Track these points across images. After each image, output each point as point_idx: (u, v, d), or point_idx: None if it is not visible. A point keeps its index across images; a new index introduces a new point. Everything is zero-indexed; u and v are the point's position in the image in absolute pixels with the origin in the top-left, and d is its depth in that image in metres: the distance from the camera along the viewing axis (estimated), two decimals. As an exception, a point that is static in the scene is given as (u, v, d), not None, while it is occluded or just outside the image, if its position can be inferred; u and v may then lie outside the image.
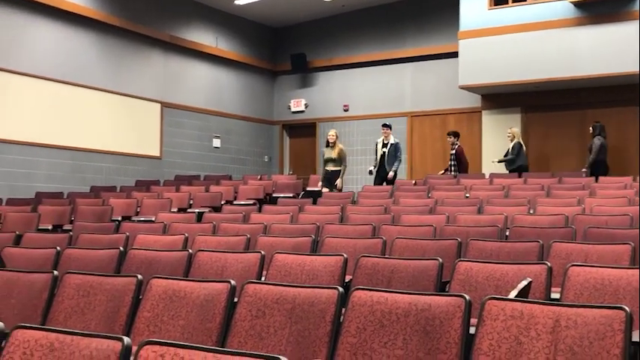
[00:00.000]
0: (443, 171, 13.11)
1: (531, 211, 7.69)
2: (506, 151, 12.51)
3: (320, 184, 11.39)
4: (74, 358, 2.14)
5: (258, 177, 13.55)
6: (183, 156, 15.21)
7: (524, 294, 3.26)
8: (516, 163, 12.32)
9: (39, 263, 5.08)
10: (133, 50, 14.19)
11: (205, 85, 15.92)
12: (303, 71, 17.24)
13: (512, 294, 3.16)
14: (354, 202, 9.51)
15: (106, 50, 13.65)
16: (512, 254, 4.76)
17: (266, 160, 17.51)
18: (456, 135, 12.68)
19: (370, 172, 11.96)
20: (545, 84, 13.05)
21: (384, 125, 11.95)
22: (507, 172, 12.31)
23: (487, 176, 11.69)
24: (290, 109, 17.59)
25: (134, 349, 2.09)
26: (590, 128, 12.34)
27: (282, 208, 8.84)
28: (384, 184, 11.54)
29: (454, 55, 14.17)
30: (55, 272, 3.84)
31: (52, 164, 12.55)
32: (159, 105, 14.69)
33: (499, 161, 12.60)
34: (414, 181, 11.77)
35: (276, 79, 17.85)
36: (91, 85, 13.24)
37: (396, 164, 11.60)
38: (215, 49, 15.95)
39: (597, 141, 11.99)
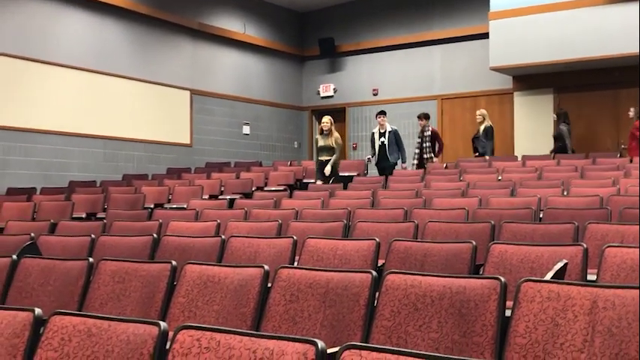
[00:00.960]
0: (416, 160, 12.16)
1: (565, 193, 7.60)
2: (476, 132, 12.33)
3: (316, 174, 10.60)
4: (112, 343, 2.16)
5: (288, 163, 13.56)
6: (214, 143, 15.28)
7: (559, 276, 3.22)
8: (490, 147, 12.16)
9: (74, 251, 5.14)
10: (162, 38, 14.25)
11: (234, 71, 15.94)
12: (332, 56, 17.18)
13: (548, 276, 3.12)
14: (384, 187, 9.48)
15: (135, 39, 13.73)
16: (547, 236, 4.70)
17: (295, 146, 17.52)
18: (427, 117, 12.23)
19: (368, 160, 11.49)
20: (577, 64, 12.86)
21: (380, 113, 11.34)
22: (476, 155, 12.28)
23: (519, 158, 11.58)
24: (319, 94, 17.56)
25: (170, 334, 2.10)
26: (554, 115, 12.42)
27: (312, 193, 8.84)
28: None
29: (484, 36, 14.02)
30: (91, 259, 3.89)
31: (85, 153, 12.68)
32: (188, 93, 14.75)
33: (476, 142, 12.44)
34: (445, 165, 11.69)
35: (304, 64, 17.82)
36: (121, 73, 13.34)
37: (404, 155, 11.23)
38: (243, 36, 15.96)
39: (564, 127, 12.12)
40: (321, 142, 10.45)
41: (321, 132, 10.52)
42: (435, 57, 15.85)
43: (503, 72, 13.93)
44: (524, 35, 13.07)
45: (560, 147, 12.19)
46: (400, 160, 11.24)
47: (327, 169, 10.21)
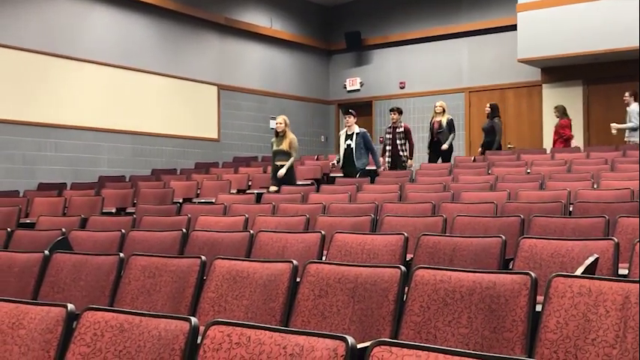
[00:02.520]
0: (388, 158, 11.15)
1: (595, 186, 7.52)
2: (438, 127, 11.62)
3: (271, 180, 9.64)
4: (143, 338, 2.18)
5: (315, 157, 13.57)
6: (241, 138, 15.33)
7: (590, 271, 3.19)
8: (452, 139, 11.67)
9: (105, 246, 5.19)
10: (189, 33, 14.32)
11: (261, 66, 15.98)
12: (358, 49, 17.14)
13: (579, 271, 3.10)
14: (412, 181, 9.45)
15: (162, 34, 13.82)
16: (577, 230, 4.66)
17: (322, 140, 17.51)
18: (400, 112, 11.24)
19: (332, 166, 10.50)
20: (606, 55, 12.70)
21: (346, 113, 10.23)
22: (429, 149, 11.82)
23: (548, 151, 11.47)
24: (345, 88, 17.53)
25: (201, 329, 2.12)
26: (488, 108, 12.17)
27: (340, 187, 8.84)
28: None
29: (512, 28, 13.90)
30: (121, 254, 3.92)
31: (114, 148, 12.80)
32: (216, 88, 14.81)
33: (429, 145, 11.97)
34: (472, 158, 11.61)
35: (330, 58, 17.80)
36: (149, 69, 13.43)
37: (377, 158, 10.19)
38: (270, 30, 15.98)
39: (499, 122, 12.08)
40: (275, 146, 9.43)
41: (276, 134, 9.51)
42: (462, 49, 15.75)
43: (531, 64, 13.80)
44: (553, 27, 12.93)
45: (489, 142, 11.99)
46: (374, 163, 10.18)
47: (281, 172, 9.28)
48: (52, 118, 11.84)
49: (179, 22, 14.08)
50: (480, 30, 15.36)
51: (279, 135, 9.39)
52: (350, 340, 1.83)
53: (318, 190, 8.69)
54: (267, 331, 1.97)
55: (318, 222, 5.75)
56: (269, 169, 11.66)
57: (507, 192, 6.92)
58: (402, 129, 11.07)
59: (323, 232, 4.63)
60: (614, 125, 11.92)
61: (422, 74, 16.23)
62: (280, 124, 9.36)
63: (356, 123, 10.52)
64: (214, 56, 14.87)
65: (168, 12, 13.77)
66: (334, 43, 17.51)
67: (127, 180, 11.65)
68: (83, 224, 6.55)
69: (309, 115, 17.12)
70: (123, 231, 5.33)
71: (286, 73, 16.63)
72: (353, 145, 9.95)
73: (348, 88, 17.47)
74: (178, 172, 12.64)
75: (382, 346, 1.76)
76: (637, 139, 11.55)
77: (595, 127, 13.45)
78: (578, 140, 13.16)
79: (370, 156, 10.14)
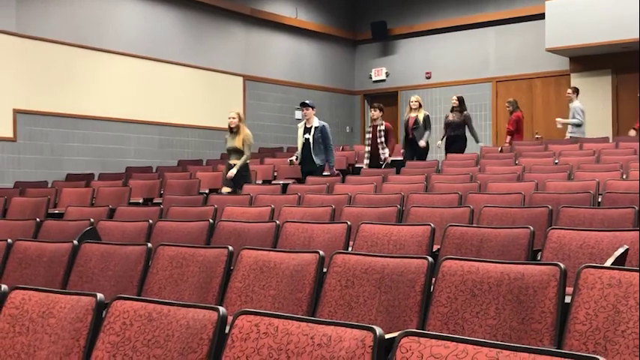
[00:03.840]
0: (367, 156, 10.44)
1: (624, 176, 7.43)
2: (413, 123, 11.00)
3: (222, 182, 8.80)
4: (172, 327, 2.19)
5: (341, 148, 13.55)
6: (266, 128, 15.35)
7: (620, 262, 3.16)
8: (428, 137, 11.08)
9: (132, 236, 5.23)
10: (214, 24, 14.36)
11: (286, 56, 15.97)
12: (384, 39, 17.06)
13: (609, 262, 3.07)
14: (438, 171, 9.41)
15: (188, 25, 13.86)
16: (606, 221, 4.61)
17: (348, 130, 17.49)
18: (381, 109, 10.49)
19: (290, 162, 9.46)
20: (635, 44, 12.51)
21: (303, 104, 9.33)
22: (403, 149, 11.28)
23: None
24: (371, 78, 17.48)
25: (229, 319, 2.12)
26: (456, 100, 11.60)
27: (365, 178, 8.82)
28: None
29: (540, 17, 13.76)
30: (149, 244, 3.94)
31: (141, 139, 12.89)
32: (241, 78, 14.84)
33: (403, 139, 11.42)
34: (500, 148, 11.52)
35: (356, 48, 17.75)
36: (175, 60, 13.50)
37: (330, 156, 9.23)
38: (295, 21, 15.96)
39: (469, 114, 11.66)
40: (229, 143, 8.62)
41: (230, 130, 8.66)
42: (489, 39, 15.62)
43: (559, 53, 13.66)
44: (581, 15, 12.78)
45: (457, 135, 11.45)
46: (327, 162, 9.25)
47: (231, 173, 8.42)
48: (79, 110, 11.94)
49: (205, 13, 14.12)
50: (507, 19, 15.23)
51: (233, 131, 8.58)
52: (378, 330, 1.82)
53: (343, 181, 8.68)
54: (294, 321, 1.97)
55: (344, 213, 5.75)
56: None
57: (535, 182, 6.86)
58: (382, 126, 10.32)
59: (349, 223, 4.62)
60: (559, 120, 11.84)
61: (448, 64, 16.13)
62: (234, 118, 8.55)
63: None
64: (240, 47, 14.89)
65: (194, 3, 13.82)
66: (360, 33, 17.45)
67: (154, 171, 11.74)
68: (111, 214, 6.61)
69: (334, 105, 17.10)
70: (150, 221, 5.36)
71: (312, 64, 16.61)
72: (311, 140, 9.11)
73: (374, 79, 17.41)
74: (204, 162, 12.71)
75: (410, 337, 1.75)
76: (580, 135, 11.47)
77: (624, 116, 13.27)
78: (606, 130, 12.99)
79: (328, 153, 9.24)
